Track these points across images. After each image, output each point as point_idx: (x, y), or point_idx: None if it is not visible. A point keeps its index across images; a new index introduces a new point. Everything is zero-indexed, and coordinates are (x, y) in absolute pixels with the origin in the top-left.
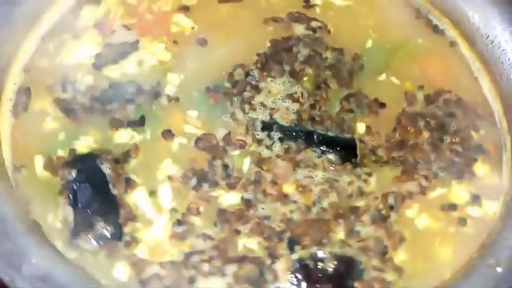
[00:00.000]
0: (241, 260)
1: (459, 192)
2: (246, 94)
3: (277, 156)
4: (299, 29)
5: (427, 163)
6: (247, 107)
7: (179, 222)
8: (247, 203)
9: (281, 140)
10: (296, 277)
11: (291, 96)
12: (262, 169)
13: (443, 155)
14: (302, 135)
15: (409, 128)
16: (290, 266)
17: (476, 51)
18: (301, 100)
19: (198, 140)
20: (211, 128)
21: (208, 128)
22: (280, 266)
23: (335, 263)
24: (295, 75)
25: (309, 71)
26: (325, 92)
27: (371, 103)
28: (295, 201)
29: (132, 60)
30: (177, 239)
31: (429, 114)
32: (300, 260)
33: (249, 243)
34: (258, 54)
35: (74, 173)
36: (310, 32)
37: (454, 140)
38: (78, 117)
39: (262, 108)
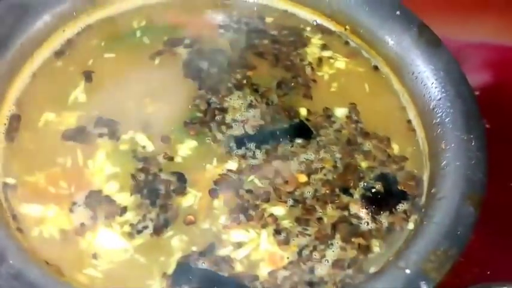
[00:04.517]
0: (335, 228)
1: None
2: (218, 118)
3: (265, 161)
4: (181, 51)
5: None
6: (224, 127)
7: (277, 232)
8: (298, 202)
9: (257, 147)
10: (369, 208)
11: (250, 105)
12: (269, 179)
13: None
14: (268, 136)
15: None
16: (360, 205)
17: (404, 85)
18: (257, 104)
19: (216, 182)
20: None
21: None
22: (356, 208)
23: (378, 182)
24: (238, 87)
25: (237, 76)
26: (260, 87)
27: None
28: (322, 168)
29: None
30: (285, 243)
31: None
32: (362, 197)
33: (331, 214)
34: (200, 88)
35: None
36: (190, 49)
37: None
38: None
39: (236, 123)
